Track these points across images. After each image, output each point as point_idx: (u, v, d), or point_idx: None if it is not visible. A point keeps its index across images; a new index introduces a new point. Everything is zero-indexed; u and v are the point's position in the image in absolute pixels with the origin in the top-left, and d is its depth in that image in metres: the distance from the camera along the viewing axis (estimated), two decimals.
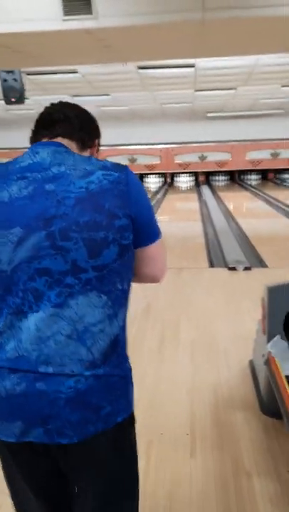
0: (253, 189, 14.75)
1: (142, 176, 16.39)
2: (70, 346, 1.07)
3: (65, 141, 1.23)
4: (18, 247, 1.08)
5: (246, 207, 12.25)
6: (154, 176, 16.90)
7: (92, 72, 7.40)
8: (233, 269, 5.31)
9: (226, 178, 17.26)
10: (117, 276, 1.12)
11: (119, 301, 1.14)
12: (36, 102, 10.76)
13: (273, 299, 2.35)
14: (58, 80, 7.96)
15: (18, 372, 1.07)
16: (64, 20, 4.09)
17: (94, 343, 1.09)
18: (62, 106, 1.31)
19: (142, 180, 16.35)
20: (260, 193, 13.40)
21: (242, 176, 17.21)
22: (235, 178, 17.18)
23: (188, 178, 17.11)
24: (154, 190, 15.24)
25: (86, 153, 1.28)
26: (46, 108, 1.32)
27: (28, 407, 1.07)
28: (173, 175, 17.17)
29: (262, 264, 5.69)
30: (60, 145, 1.21)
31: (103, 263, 1.09)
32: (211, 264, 5.77)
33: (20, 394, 1.07)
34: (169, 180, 17.04)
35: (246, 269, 5.30)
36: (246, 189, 15.12)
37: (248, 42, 5.15)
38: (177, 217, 10.24)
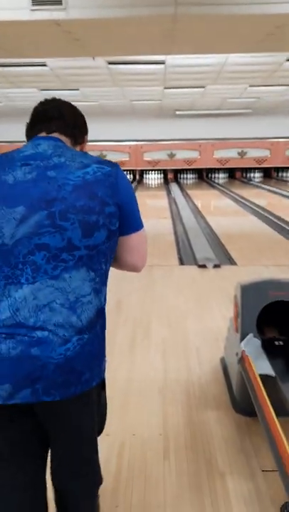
0: (220, 187, 14.89)
1: None
2: (62, 314, 1.22)
3: (62, 137, 1.39)
4: (21, 223, 1.21)
5: (214, 205, 12.36)
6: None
7: (61, 65, 7.26)
8: (203, 266, 5.32)
9: (194, 176, 17.37)
10: (103, 256, 1.29)
11: (102, 279, 1.31)
12: (3, 95, 10.50)
13: (246, 297, 2.34)
14: (26, 73, 7.78)
15: (15, 337, 1.19)
16: (32, 10, 3.98)
17: (83, 312, 1.24)
18: (56, 103, 1.44)
19: None
20: (228, 192, 13.54)
21: (210, 174, 17.36)
22: (203, 176, 17.31)
23: (157, 176, 17.12)
24: None
25: (77, 149, 1.44)
26: (41, 104, 1.44)
27: (19, 370, 1.18)
28: (142, 172, 17.13)
29: (231, 261, 5.73)
30: (59, 140, 1.36)
31: (94, 243, 1.25)
32: (181, 262, 5.77)
33: (15, 357, 1.18)
34: (138, 177, 17.00)
35: (216, 266, 5.33)
36: (214, 187, 15.26)
37: (218, 40, 5.17)
38: (147, 214, 10.19)
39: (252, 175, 17.31)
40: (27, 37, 4.75)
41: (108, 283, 1.35)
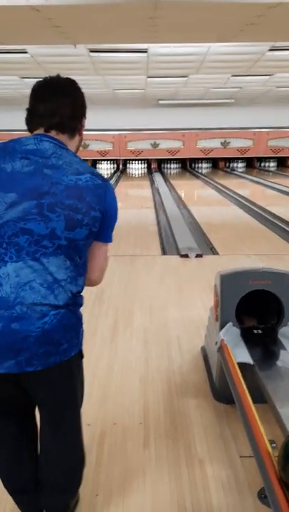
0: (203, 177, 14.91)
1: (94, 162, 16.14)
2: (41, 292, 1.36)
3: (59, 136, 1.46)
4: (10, 208, 1.34)
5: (197, 195, 12.37)
6: (106, 162, 16.70)
7: (42, 53, 7.13)
8: (185, 256, 5.34)
9: (177, 165, 17.34)
10: (79, 251, 1.42)
11: (78, 270, 1.44)
12: None
13: (226, 287, 2.36)
14: (5, 60, 7.62)
15: None
16: None
17: (59, 293, 1.38)
18: (55, 92, 1.47)
19: (95, 167, 16.12)
20: (211, 182, 13.56)
21: (193, 164, 17.35)
22: (187, 166, 17.29)
23: (141, 165, 17.05)
24: (107, 176, 15.07)
25: (75, 139, 1.52)
26: (41, 90, 1.47)
27: (2, 343, 1.33)
28: (125, 161, 17.04)
29: (213, 251, 5.76)
30: (61, 142, 1.45)
31: (74, 237, 1.38)
32: (164, 252, 5.77)
33: None
34: (121, 167, 16.91)
35: (198, 256, 5.35)
36: (197, 177, 15.26)
37: (199, 29, 5.14)
38: (130, 204, 10.17)
39: (235, 165, 17.34)
40: (5, 23, 4.65)
41: None
